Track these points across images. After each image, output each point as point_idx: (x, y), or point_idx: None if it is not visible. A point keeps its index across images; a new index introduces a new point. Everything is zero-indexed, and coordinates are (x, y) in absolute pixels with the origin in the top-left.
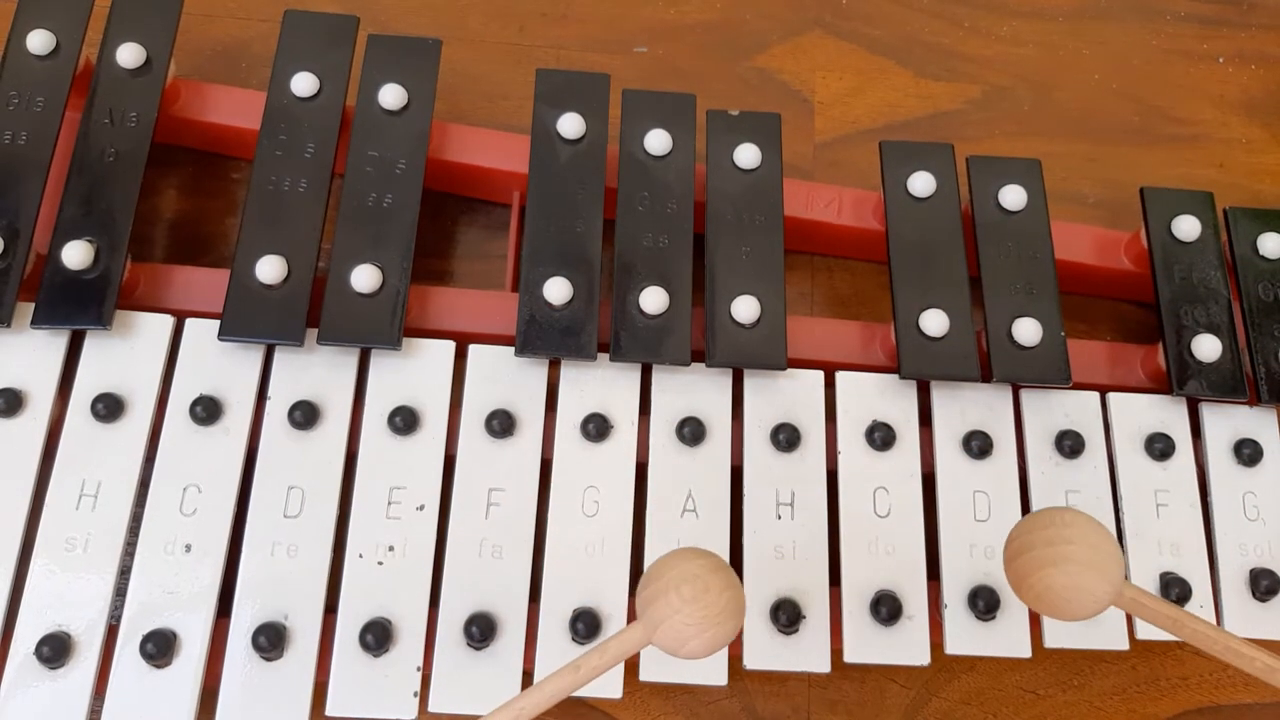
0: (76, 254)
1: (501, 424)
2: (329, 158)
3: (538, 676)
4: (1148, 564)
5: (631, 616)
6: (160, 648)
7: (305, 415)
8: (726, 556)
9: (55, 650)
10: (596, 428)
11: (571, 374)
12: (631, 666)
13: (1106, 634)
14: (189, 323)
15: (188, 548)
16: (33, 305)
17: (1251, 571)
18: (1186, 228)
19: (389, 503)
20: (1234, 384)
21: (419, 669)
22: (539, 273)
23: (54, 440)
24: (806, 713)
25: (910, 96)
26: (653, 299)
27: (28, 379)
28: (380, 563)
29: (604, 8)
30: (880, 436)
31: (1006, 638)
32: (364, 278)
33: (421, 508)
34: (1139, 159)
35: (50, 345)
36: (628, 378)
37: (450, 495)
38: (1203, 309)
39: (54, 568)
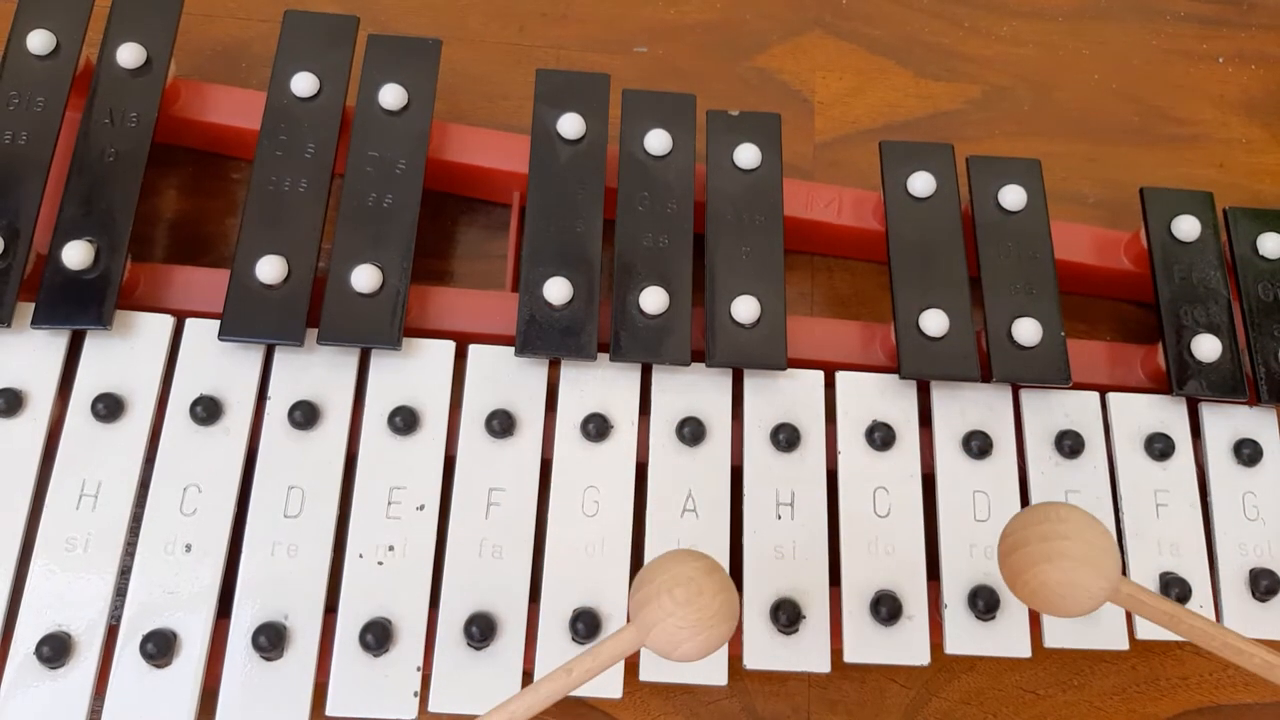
0: (76, 254)
1: (501, 424)
2: (329, 158)
3: (537, 676)
4: (1148, 564)
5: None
6: (160, 648)
7: (305, 415)
8: (726, 556)
9: (55, 650)
10: (596, 428)
11: (571, 374)
12: (631, 666)
13: (1106, 634)
14: (189, 323)
15: (188, 548)
16: (33, 305)
17: (1251, 571)
18: (1186, 228)
19: (389, 503)
20: (1234, 384)
21: (419, 669)
22: (539, 273)
23: (54, 440)
24: (806, 713)
25: (910, 96)
26: (653, 299)
27: (28, 379)
28: (380, 563)
29: (604, 8)
30: (880, 436)
31: (1006, 638)
32: (364, 278)
33: (421, 508)
34: (1139, 159)
35: (50, 345)
36: (628, 378)
37: (450, 495)
38: (1203, 309)
39: (54, 568)
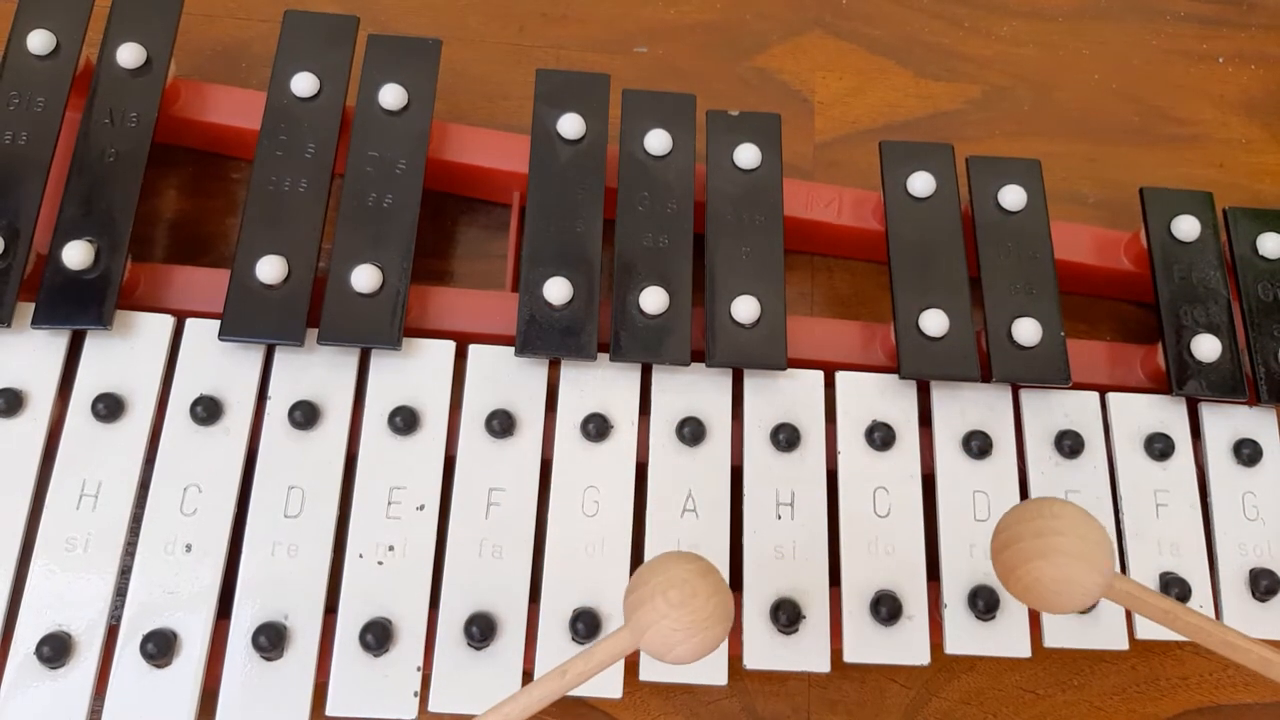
0: (77, 254)
1: (501, 424)
2: (329, 158)
3: (537, 676)
4: (1148, 564)
5: None
6: (160, 648)
7: (305, 415)
8: (726, 556)
9: (55, 650)
10: (596, 428)
11: (571, 374)
12: (631, 666)
13: (1106, 634)
14: (189, 323)
15: (188, 548)
16: (33, 305)
17: (1251, 571)
18: (1186, 228)
19: (389, 503)
20: (1234, 384)
21: (419, 669)
22: (539, 273)
23: (54, 440)
24: (806, 713)
25: (910, 96)
26: (653, 299)
27: (28, 379)
28: (380, 563)
29: (604, 8)
30: (880, 436)
31: (1006, 637)
32: (364, 278)
33: (421, 508)
34: (1139, 159)
35: (50, 345)
36: (628, 378)
37: (450, 495)
38: (1202, 309)
39: (54, 568)
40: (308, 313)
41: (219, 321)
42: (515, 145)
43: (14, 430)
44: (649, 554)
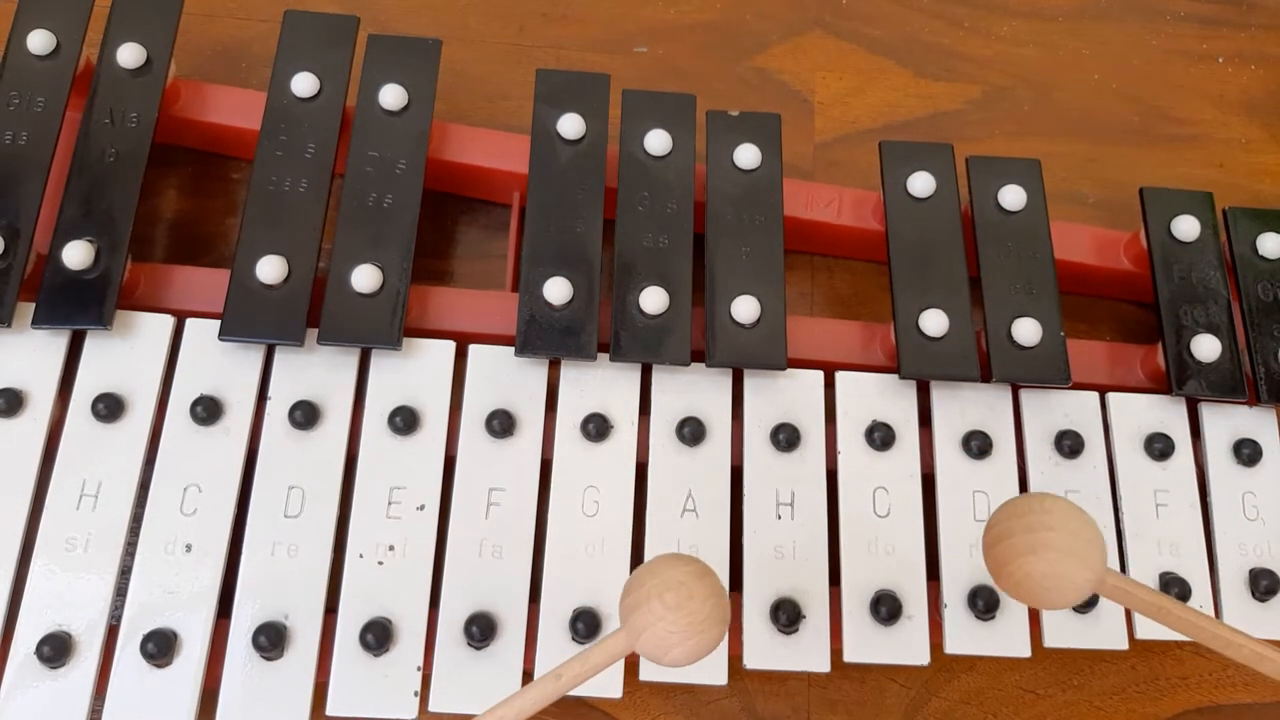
0: (77, 254)
1: (501, 424)
2: (329, 158)
3: (537, 677)
4: (1148, 564)
5: None
6: (160, 648)
7: (305, 415)
8: (726, 556)
9: (56, 650)
10: (596, 428)
11: (571, 374)
12: (631, 666)
13: (1106, 633)
14: (189, 323)
15: (188, 548)
16: (33, 305)
17: (1251, 571)
18: (1186, 228)
19: (389, 503)
20: (1233, 384)
21: (419, 669)
22: (539, 273)
23: (54, 440)
24: (806, 713)
25: (910, 96)
26: (653, 299)
27: (28, 379)
28: (380, 563)
29: (604, 8)
30: (880, 436)
31: (1006, 637)
32: (364, 278)
33: (421, 508)
34: (1139, 159)
35: (50, 345)
36: (628, 378)
37: (450, 495)
38: (1202, 309)
39: (54, 568)
40: (308, 313)
41: (219, 321)
42: (515, 145)
43: (14, 430)
44: (649, 554)
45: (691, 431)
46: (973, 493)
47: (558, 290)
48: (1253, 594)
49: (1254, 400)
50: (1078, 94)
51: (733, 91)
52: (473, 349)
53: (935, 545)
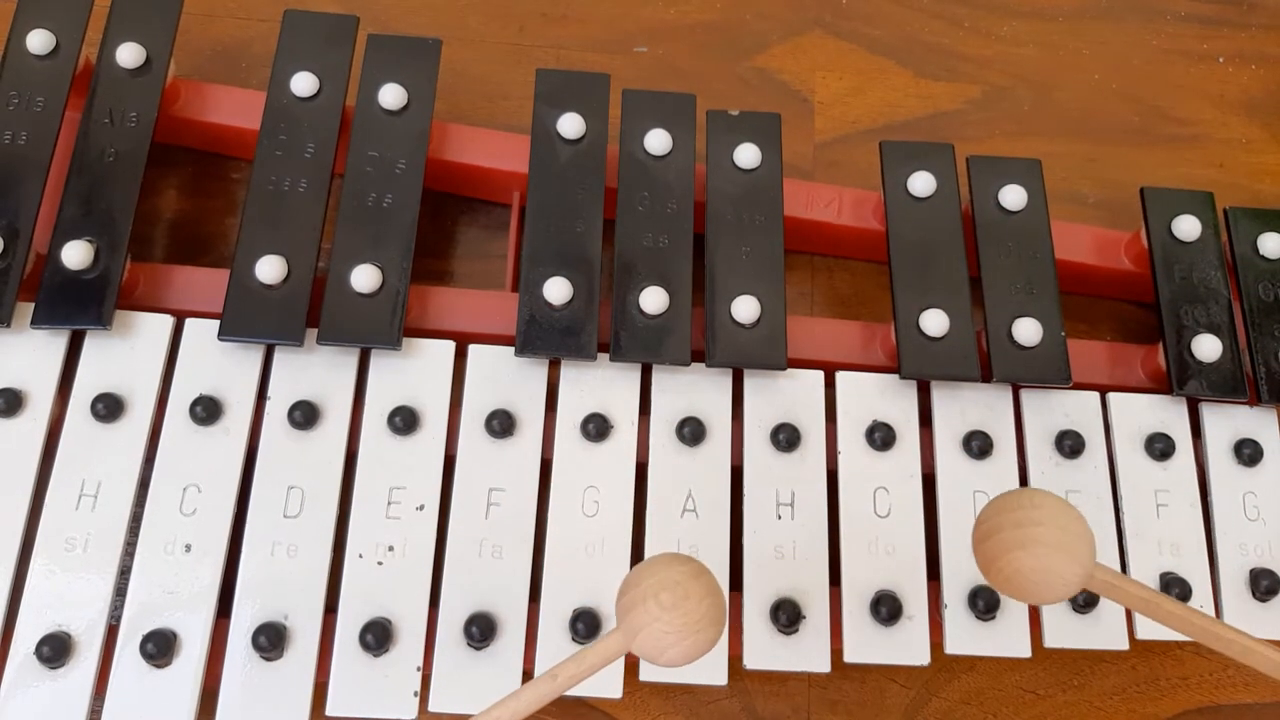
0: (76, 254)
1: (501, 424)
2: (329, 158)
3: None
4: (1148, 564)
5: None
6: (160, 648)
7: (305, 415)
8: (726, 556)
9: (55, 650)
10: (596, 428)
11: (571, 374)
12: (631, 666)
13: (1106, 634)
14: (189, 323)
15: (188, 548)
16: (33, 305)
17: (1251, 571)
18: (1186, 228)
19: (389, 503)
20: (1234, 384)
21: (419, 669)
22: (539, 273)
23: (54, 440)
24: (806, 713)
25: (910, 96)
26: (653, 299)
27: (28, 379)
28: (380, 563)
29: (604, 8)
30: (880, 436)
31: (1006, 638)
32: (364, 278)
33: (421, 508)
34: (1139, 159)
35: (50, 345)
36: (628, 378)
37: (450, 495)
38: (1203, 309)
39: (54, 568)
40: (307, 313)
41: (219, 321)
42: (515, 145)
43: (14, 430)
44: (649, 554)
45: (691, 431)
46: (973, 493)
47: (558, 290)
48: (1253, 594)
49: (1255, 400)
50: (1078, 94)
51: (733, 91)
52: (473, 349)
53: (935, 545)
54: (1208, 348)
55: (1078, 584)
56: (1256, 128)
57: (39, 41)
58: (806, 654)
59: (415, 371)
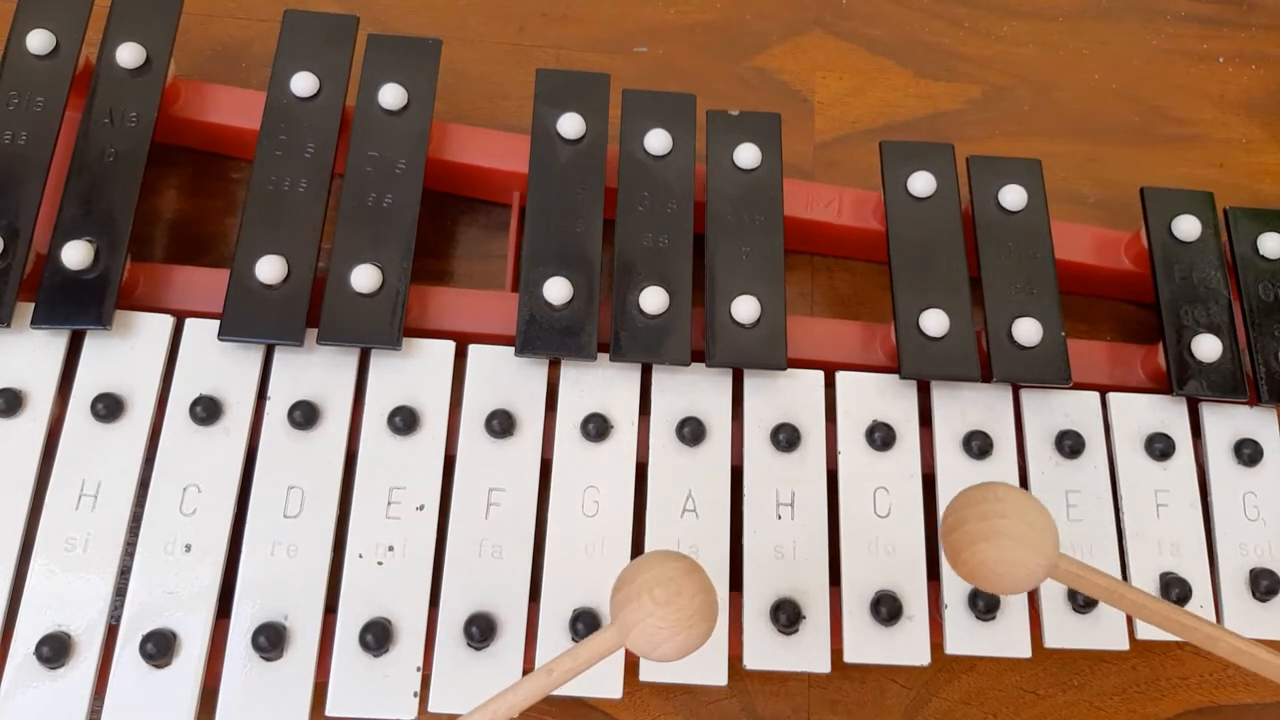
0: (76, 254)
1: (501, 424)
2: (329, 158)
3: None
4: (1148, 564)
5: None
6: (160, 648)
7: (305, 415)
8: (726, 556)
9: (55, 650)
10: (596, 428)
11: (571, 374)
12: (631, 666)
13: (1106, 634)
14: (189, 323)
15: (188, 548)
16: (33, 305)
17: (1251, 571)
18: (1186, 228)
19: (389, 503)
20: (1234, 384)
21: (419, 669)
22: (539, 273)
23: (54, 440)
24: (806, 713)
25: (910, 96)
26: (653, 299)
27: (28, 379)
28: (380, 563)
29: (604, 8)
30: (880, 436)
31: (1006, 638)
32: (364, 278)
33: (421, 508)
34: (1139, 159)
35: (50, 345)
36: (628, 378)
37: (450, 495)
38: (1203, 309)
39: (54, 568)
40: (307, 313)
41: (219, 321)
42: (515, 145)
43: (14, 430)
44: None
45: (691, 431)
46: None
47: (558, 290)
48: (1253, 594)
49: (1255, 400)
50: (1078, 94)
51: (733, 91)
52: (473, 349)
53: (936, 545)
54: (1208, 348)
55: (1041, 574)
56: (1256, 128)
57: (39, 41)
58: (806, 654)
59: (415, 371)
